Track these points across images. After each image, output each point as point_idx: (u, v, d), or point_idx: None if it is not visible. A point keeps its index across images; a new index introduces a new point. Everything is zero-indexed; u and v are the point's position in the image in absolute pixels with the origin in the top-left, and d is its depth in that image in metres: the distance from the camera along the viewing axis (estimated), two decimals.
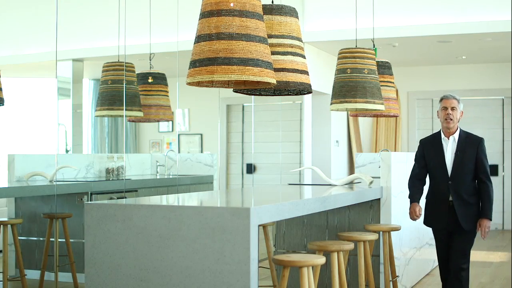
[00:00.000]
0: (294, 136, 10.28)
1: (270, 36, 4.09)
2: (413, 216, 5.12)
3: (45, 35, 8.01)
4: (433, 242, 7.40)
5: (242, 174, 10.65)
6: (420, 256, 6.87)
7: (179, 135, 10.69)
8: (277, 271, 5.56)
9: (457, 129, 5.04)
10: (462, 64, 11.10)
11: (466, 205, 4.94)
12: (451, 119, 4.97)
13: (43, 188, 5.76)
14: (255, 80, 3.45)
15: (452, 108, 4.97)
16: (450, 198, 4.95)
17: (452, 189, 4.95)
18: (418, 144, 5.30)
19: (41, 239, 6.36)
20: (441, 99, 5.07)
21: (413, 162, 5.25)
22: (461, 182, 4.94)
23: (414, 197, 5.17)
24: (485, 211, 4.94)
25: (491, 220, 4.96)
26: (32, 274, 6.27)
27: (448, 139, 5.02)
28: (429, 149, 5.09)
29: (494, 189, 11.25)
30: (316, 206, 4.08)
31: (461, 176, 4.94)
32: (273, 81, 3.57)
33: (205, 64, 3.39)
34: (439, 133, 5.10)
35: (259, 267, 3.76)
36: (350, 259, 5.53)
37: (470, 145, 4.96)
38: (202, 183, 7.96)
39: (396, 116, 7.59)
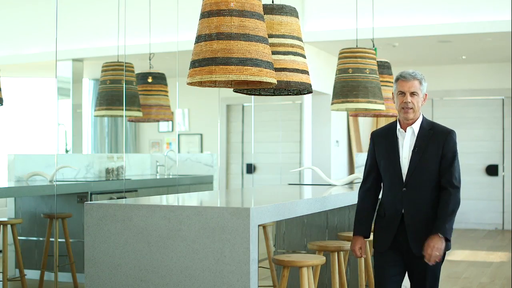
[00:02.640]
0: (294, 136, 10.28)
1: (270, 36, 4.09)
2: (355, 254, 3.82)
3: (45, 35, 8.01)
4: None
5: (242, 174, 10.65)
6: None
7: (179, 135, 10.69)
8: (277, 271, 5.56)
9: (419, 118, 3.72)
10: (462, 64, 11.10)
11: (423, 220, 3.59)
12: (411, 108, 3.66)
13: (43, 188, 5.75)
14: (254, 80, 3.45)
15: (412, 94, 3.65)
16: (403, 211, 3.64)
17: (406, 199, 3.62)
18: None
19: (41, 239, 6.36)
20: (397, 79, 3.72)
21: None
22: (420, 189, 3.62)
23: (357, 226, 3.83)
24: (437, 225, 3.54)
25: (447, 239, 3.52)
26: (32, 274, 6.27)
27: (405, 131, 3.72)
28: (381, 144, 3.79)
29: (494, 189, 11.41)
30: (316, 206, 4.08)
31: (420, 182, 3.63)
32: (273, 81, 3.57)
33: (204, 64, 3.40)
34: (395, 123, 3.80)
35: (259, 267, 3.75)
36: (350, 259, 5.52)
37: (435, 139, 3.66)
38: (202, 183, 7.96)
39: (395, 116, 7.59)
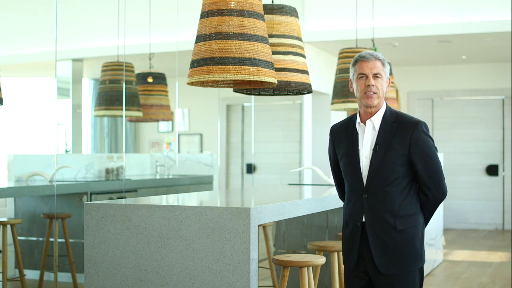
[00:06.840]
0: (294, 136, 10.27)
1: (271, 36, 4.09)
2: None
3: (44, 35, 8.01)
4: (434, 242, 7.41)
5: (242, 174, 10.64)
6: None
7: (179, 135, 10.68)
8: (277, 271, 5.55)
9: (381, 108, 3.14)
10: (462, 64, 11.10)
11: (388, 232, 3.07)
12: (375, 93, 3.08)
13: (43, 188, 5.75)
14: (251, 79, 3.45)
15: (376, 76, 3.08)
16: (363, 219, 3.11)
17: (367, 207, 3.09)
18: None
19: (40, 239, 6.35)
20: (355, 62, 3.14)
21: None
22: (384, 195, 3.06)
23: None
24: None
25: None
26: (32, 274, 6.27)
27: (365, 124, 3.14)
28: (340, 141, 3.24)
29: (494, 189, 11.41)
30: (316, 206, 4.08)
31: (382, 186, 3.07)
32: (272, 80, 3.56)
33: (202, 64, 3.41)
34: (355, 116, 3.23)
35: (259, 267, 3.75)
36: None
37: (400, 134, 3.07)
38: (202, 183, 7.96)
39: None
